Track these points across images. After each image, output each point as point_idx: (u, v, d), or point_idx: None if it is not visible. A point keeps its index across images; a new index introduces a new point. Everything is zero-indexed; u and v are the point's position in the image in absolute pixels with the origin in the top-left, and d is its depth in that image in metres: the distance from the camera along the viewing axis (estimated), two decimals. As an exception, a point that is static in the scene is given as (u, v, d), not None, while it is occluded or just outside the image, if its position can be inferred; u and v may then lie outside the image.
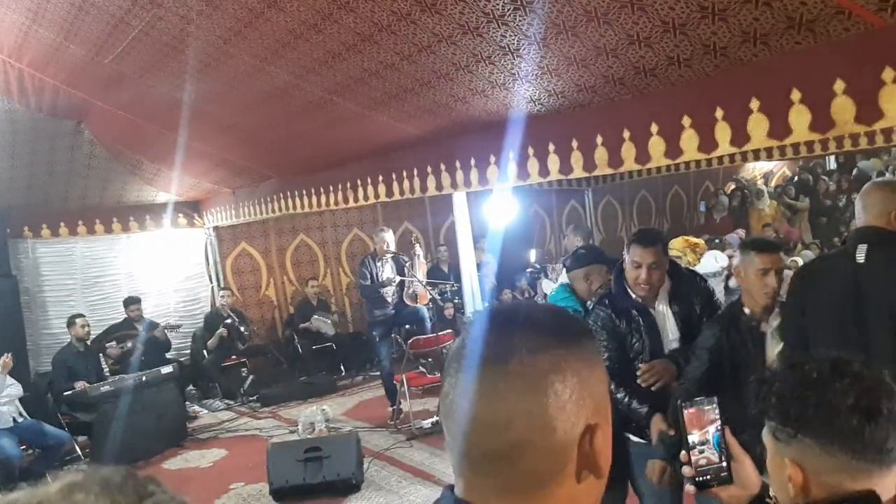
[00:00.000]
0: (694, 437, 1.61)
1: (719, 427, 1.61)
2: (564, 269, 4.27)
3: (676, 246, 6.55)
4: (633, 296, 3.54)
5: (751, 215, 13.27)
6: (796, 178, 14.39)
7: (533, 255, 11.03)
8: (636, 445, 3.53)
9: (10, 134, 7.32)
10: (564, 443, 0.90)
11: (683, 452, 1.62)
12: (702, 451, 1.60)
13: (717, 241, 10.16)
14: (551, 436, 0.89)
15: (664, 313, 3.57)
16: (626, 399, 3.42)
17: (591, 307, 3.81)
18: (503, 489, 0.91)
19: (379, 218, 11.37)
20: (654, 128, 3.63)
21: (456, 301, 9.86)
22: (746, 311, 3.26)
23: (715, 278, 6.56)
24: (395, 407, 7.84)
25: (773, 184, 14.58)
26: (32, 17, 4.97)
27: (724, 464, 1.58)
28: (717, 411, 1.61)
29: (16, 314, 8.57)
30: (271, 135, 6.23)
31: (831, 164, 14.59)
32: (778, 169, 14.88)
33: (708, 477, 1.59)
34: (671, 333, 3.55)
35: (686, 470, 1.61)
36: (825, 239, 12.05)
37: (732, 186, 14.09)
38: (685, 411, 1.62)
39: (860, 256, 2.87)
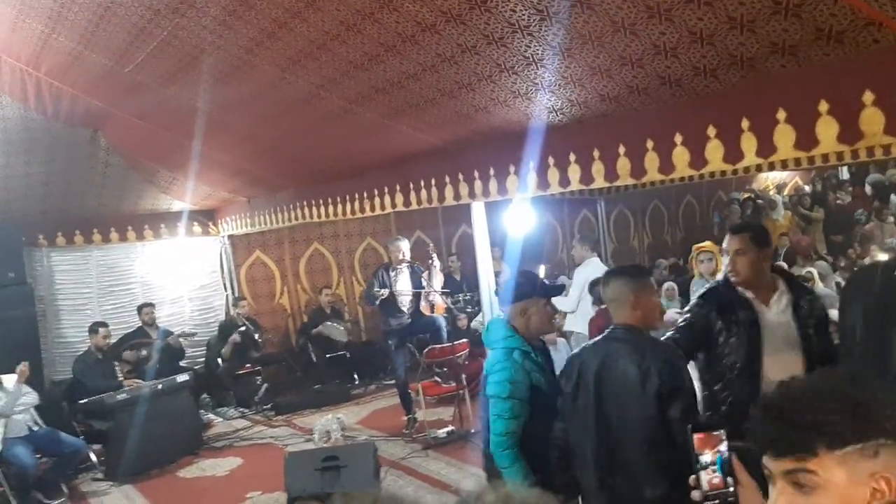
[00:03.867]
0: (706, 458, 1.64)
1: (725, 451, 1.63)
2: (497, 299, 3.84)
3: (712, 245, 6.67)
4: (739, 291, 3.60)
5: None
6: (808, 187, 14.35)
7: (541, 271, 10.90)
8: None
9: (27, 142, 7.36)
10: None
11: (693, 476, 1.63)
12: (713, 472, 1.62)
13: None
14: None
15: (779, 319, 3.52)
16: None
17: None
18: None
19: (392, 227, 11.38)
20: (678, 138, 3.62)
21: (469, 311, 9.86)
22: None
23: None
24: (410, 416, 7.83)
25: (785, 194, 14.54)
26: (52, 25, 4.98)
27: (731, 489, 1.60)
28: (724, 435, 1.64)
29: (31, 322, 8.60)
30: (290, 145, 6.25)
31: (844, 174, 14.51)
32: (790, 179, 14.84)
33: (716, 501, 1.61)
34: (784, 342, 3.50)
35: (695, 494, 1.63)
36: (839, 250, 11.97)
37: (746, 196, 14.04)
38: (694, 435, 1.65)
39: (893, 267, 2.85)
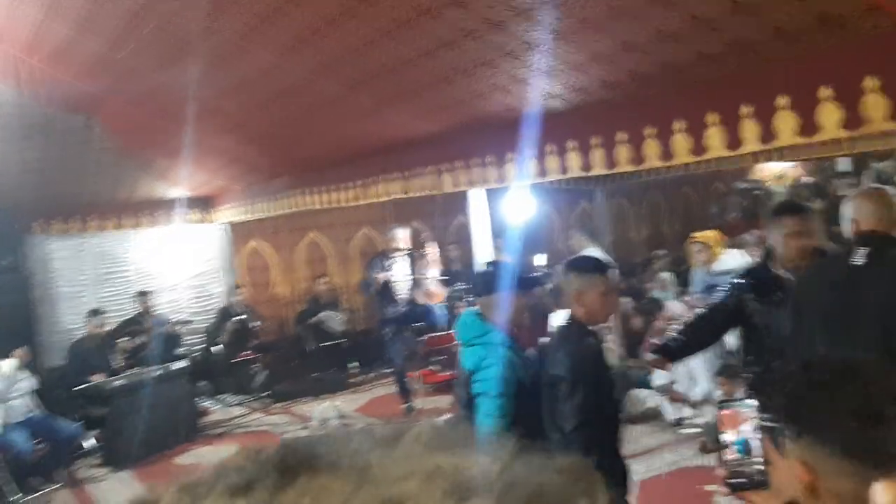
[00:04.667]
0: (729, 437, 1.60)
1: (749, 430, 1.59)
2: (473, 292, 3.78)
3: (706, 234, 6.67)
4: (781, 271, 3.53)
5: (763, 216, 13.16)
6: (807, 178, 14.31)
7: (539, 259, 10.82)
8: None
9: (22, 128, 7.30)
10: None
11: (718, 454, 1.60)
12: (734, 451, 1.59)
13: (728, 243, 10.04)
14: None
15: None
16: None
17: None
18: None
19: (388, 216, 11.32)
20: (678, 124, 3.59)
21: (469, 299, 9.82)
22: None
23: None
24: (408, 404, 7.82)
25: (784, 185, 14.50)
26: (46, 10, 4.94)
27: (760, 467, 1.55)
28: (753, 413, 1.59)
29: (27, 309, 8.58)
30: (286, 131, 6.21)
31: (840, 166, 14.43)
32: (790, 170, 14.80)
33: (743, 480, 1.57)
34: None
35: (719, 471, 1.60)
36: (839, 241, 11.91)
37: (745, 186, 14.02)
38: (721, 412, 1.62)
39: (859, 259, 2.82)
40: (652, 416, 6.70)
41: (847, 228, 3.02)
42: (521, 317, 3.51)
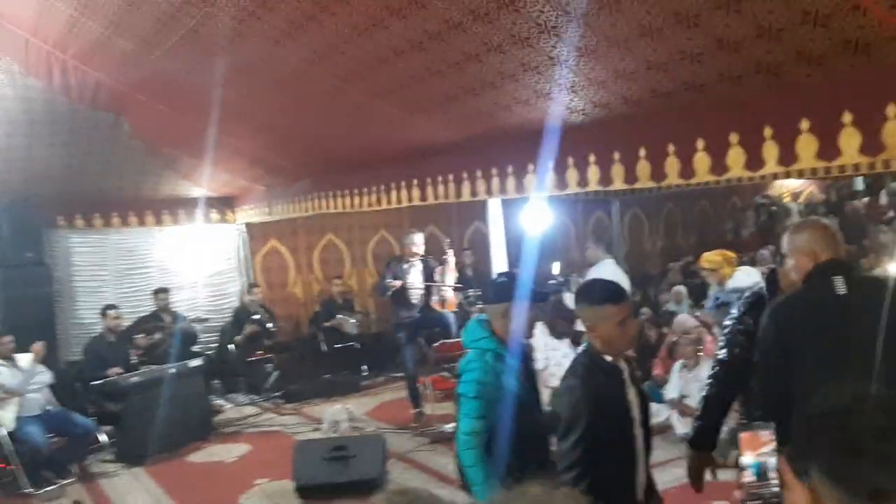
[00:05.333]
0: (747, 460, 1.63)
1: (770, 453, 1.62)
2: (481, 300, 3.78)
3: (712, 259, 6.60)
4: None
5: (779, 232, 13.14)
6: (823, 196, 14.30)
7: (556, 268, 10.88)
8: None
9: (50, 124, 7.40)
10: None
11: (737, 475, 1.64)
12: (751, 474, 1.62)
13: (744, 259, 10.02)
14: None
15: None
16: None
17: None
18: None
19: (405, 220, 11.39)
20: (700, 143, 3.64)
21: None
22: None
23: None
24: (418, 410, 7.87)
25: (800, 202, 14.49)
26: (81, 8, 5.03)
27: (776, 490, 1.58)
28: (771, 436, 1.63)
29: (47, 303, 8.68)
30: (311, 136, 6.29)
31: (856, 185, 14.41)
32: (806, 187, 14.80)
33: (758, 501, 1.60)
34: None
35: (736, 493, 1.63)
36: (853, 260, 11.87)
37: (761, 202, 14.01)
38: (741, 434, 1.65)
39: (840, 288, 2.81)
40: (661, 430, 6.72)
41: (802, 261, 2.97)
42: (526, 328, 3.53)
